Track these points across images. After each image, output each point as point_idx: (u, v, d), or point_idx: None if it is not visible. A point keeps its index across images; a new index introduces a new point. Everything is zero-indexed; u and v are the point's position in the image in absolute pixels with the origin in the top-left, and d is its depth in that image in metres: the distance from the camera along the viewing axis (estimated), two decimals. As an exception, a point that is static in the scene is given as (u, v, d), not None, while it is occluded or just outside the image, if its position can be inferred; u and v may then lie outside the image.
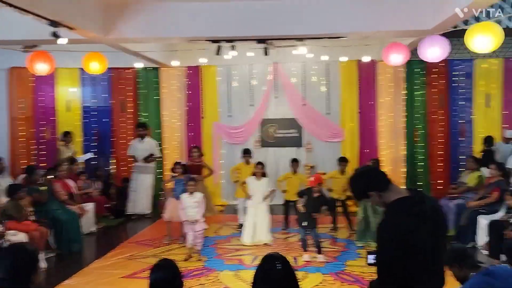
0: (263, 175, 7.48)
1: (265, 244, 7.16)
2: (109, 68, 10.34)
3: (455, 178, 9.51)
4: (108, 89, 10.79)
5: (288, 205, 8.12)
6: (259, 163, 7.54)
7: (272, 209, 8.91)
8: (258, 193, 7.36)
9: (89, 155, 10.06)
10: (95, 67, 7.61)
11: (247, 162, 8.28)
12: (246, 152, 8.40)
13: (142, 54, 8.89)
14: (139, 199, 9.40)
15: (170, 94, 10.76)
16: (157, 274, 2.66)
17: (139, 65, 9.54)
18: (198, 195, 6.63)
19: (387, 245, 2.49)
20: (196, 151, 8.21)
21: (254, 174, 7.48)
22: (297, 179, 8.19)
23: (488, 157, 8.39)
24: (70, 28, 6.39)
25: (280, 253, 2.57)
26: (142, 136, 9.43)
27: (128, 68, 10.58)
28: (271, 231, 7.45)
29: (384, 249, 2.53)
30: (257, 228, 7.27)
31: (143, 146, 9.41)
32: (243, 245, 7.25)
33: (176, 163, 7.65)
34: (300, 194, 6.70)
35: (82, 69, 10.21)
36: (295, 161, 8.37)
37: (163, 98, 10.75)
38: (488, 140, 9.07)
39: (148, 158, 9.36)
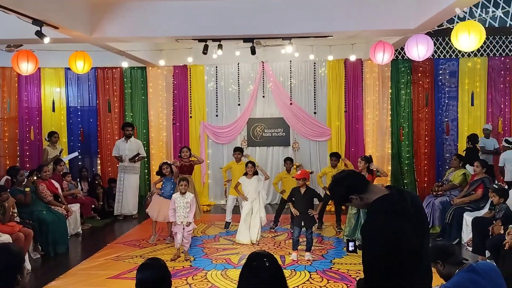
0: (255, 173, 7.50)
1: (252, 243, 7.15)
2: (94, 68, 10.33)
3: (440, 176, 9.64)
4: (94, 89, 10.72)
5: (284, 204, 8.11)
6: (249, 162, 7.55)
7: (268, 209, 8.93)
8: (251, 192, 7.36)
9: (74, 155, 9.97)
10: (81, 66, 7.54)
11: (238, 160, 8.27)
12: (237, 150, 8.38)
13: (128, 53, 8.83)
14: (126, 200, 9.34)
15: (156, 94, 10.71)
16: (144, 273, 2.55)
17: (125, 64, 9.47)
18: (190, 196, 6.61)
19: (372, 245, 2.52)
20: (186, 151, 8.19)
21: (245, 174, 7.49)
22: (292, 177, 8.18)
23: (471, 155, 8.49)
24: (55, 27, 6.33)
25: (267, 251, 2.56)
26: (129, 136, 9.37)
27: (114, 68, 10.52)
28: (261, 229, 7.47)
29: (370, 249, 2.55)
30: (251, 227, 7.27)
31: (130, 146, 9.35)
32: (231, 244, 7.25)
33: (164, 163, 7.63)
34: (289, 198, 6.69)
35: (67, 68, 10.18)
36: (288, 160, 8.38)
37: (149, 97, 10.70)
38: (472, 138, 9.20)
39: (135, 158, 9.29)
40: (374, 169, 7.21)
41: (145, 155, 9.88)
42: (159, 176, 7.65)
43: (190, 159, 8.17)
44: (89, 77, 10.65)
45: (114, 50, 8.43)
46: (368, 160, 7.20)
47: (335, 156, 8.23)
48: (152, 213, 7.43)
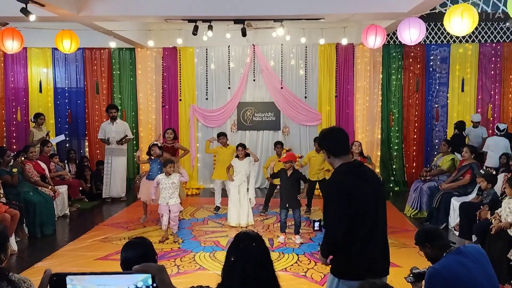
0: (246, 155, 7.47)
1: (241, 226, 7.15)
2: (82, 48, 10.16)
3: (429, 161, 9.70)
4: (82, 70, 10.56)
5: (273, 188, 8.11)
6: (240, 145, 7.50)
7: (257, 193, 8.94)
8: (241, 173, 7.33)
9: (61, 138, 9.83)
10: (67, 45, 7.41)
11: (224, 145, 8.21)
12: (222, 135, 8.31)
13: (116, 33, 8.68)
14: (114, 183, 9.25)
15: (145, 76, 10.57)
16: (129, 252, 2.49)
17: (113, 45, 9.31)
18: (176, 177, 6.56)
19: (332, 199, 2.90)
20: (171, 133, 8.11)
21: (237, 156, 7.46)
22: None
23: (457, 142, 8.53)
24: (41, 5, 6.17)
25: (255, 232, 2.53)
26: (114, 118, 9.21)
27: (102, 49, 10.35)
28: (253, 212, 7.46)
29: (329, 203, 2.94)
30: (241, 209, 7.25)
31: (116, 128, 9.21)
32: (220, 227, 7.25)
33: (153, 145, 7.54)
34: (273, 176, 6.82)
35: (54, 49, 9.99)
36: (278, 144, 8.35)
37: (138, 79, 10.57)
38: (459, 125, 9.22)
39: (122, 140, 9.18)
40: (367, 156, 7.26)
41: (132, 137, 9.77)
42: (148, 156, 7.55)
43: (175, 146, 8.11)
44: (77, 57, 10.48)
45: (101, 29, 8.28)
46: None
47: None
48: (144, 197, 7.34)
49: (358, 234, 2.81)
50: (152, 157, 7.40)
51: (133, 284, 0.97)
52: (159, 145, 7.63)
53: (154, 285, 1.03)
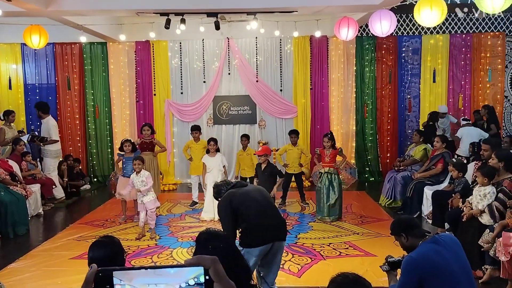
0: (217, 150, 7.43)
1: (214, 220, 7.10)
2: (52, 43, 9.94)
3: (402, 151, 9.86)
4: (52, 66, 10.32)
5: (245, 181, 8.11)
6: (212, 139, 7.47)
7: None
8: (214, 170, 7.30)
9: (26, 138, 9.49)
10: (36, 40, 7.22)
11: (196, 139, 8.16)
12: (195, 129, 8.25)
13: (87, 27, 8.50)
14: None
15: (118, 71, 10.41)
16: (96, 252, 2.46)
17: (83, 39, 9.11)
18: (145, 174, 6.46)
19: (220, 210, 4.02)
20: (147, 129, 8.00)
21: (207, 151, 7.42)
22: (248, 155, 8.17)
23: (428, 133, 8.70)
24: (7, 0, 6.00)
25: (214, 228, 2.51)
26: (40, 117, 8.79)
27: (73, 43, 10.14)
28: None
29: (219, 213, 4.11)
30: (215, 204, 7.21)
31: (42, 127, 8.81)
32: (197, 222, 7.22)
33: (126, 141, 7.44)
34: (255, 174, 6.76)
35: (24, 44, 9.72)
36: (244, 137, 8.35)
37: (111, 74, 10.39)
38: (433, 116, 9.40)
39: (40, 140, 8.64)
40: (338, 148, 7.33)
41: (55, 140, 9.00)
42: (122, 153, 7.43)
43: (154, 142, 8.01)
44: (47, 53, 10.24)
45: (71, 24, 8.11)
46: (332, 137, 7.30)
47: (294, 133, 8.23)
48: (118, 195, 7.23)
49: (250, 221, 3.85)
50: (125, 153, 7.28)
51: (184, 282, 0.92)
52: (132, 141, 7.53)
53: (207, 277, 0.97)
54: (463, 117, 9.50)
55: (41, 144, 8.66)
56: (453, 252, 3.07)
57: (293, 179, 8.20)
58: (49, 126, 8.85)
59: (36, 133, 9.65)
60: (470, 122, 9.06)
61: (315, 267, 5.27)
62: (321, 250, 5.80)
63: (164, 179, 10.04)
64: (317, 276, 4.95)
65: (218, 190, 4.18)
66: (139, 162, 6.42)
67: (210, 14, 7.40)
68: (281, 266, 5.28)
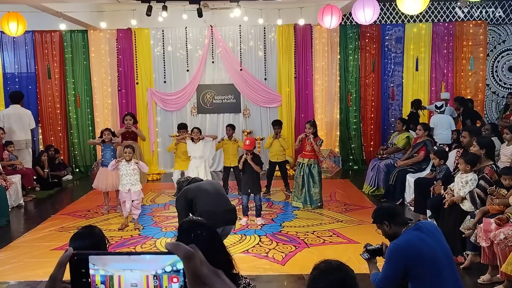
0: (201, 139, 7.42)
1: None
2: (32, 31, 9.72)
3: (386, 139, 9.92)
4: (32, 54, 10.09)
5: (228, 171, 8.08)
6: (195, 128, 7.44)
7: (213, 176, 8.89)
8: (196, 157, 7.28)
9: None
10: (14, 28, 7.04)
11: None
12: (182, 128, 8.15)
13: (66, 15, 8.31)
14: None
15: (99, 59, 10.22)
16: (77, 243, 2.41)
17: (63, 27, 8.90)
18: (135, 164, 6.39)
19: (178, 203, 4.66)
20: (130, 119, 7.89)
21: (192, 139, 7.40)
22: (232, 144, 8.12)
23: (413, 121, 8.74)
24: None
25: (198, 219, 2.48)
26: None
27: (53, 31, 9.91)
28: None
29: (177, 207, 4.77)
30: None
31: None
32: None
33: (105, 129, 7.29)
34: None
35: (1, 32, 9.47)
36: (229, 127, 8.29)
37: (92, 62, 10.20)
38: (416, 104, 9.43)
39: None
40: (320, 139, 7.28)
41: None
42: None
43: (136, 132, 7.92)
44: (26, 41, 10.00)
45: (51, 11, 7.92)
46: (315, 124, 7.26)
47: (277, 125, 8.19)
48: (101, 185, 7.12)
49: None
50: (105, 142, 7.15)
51: (160, 268, 0.87)
52: (112, 130, 7.40)
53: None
54: (434, 104, 9.15)
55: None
56: (436, 239, 3.10)
57: (277, 168, 8.20)
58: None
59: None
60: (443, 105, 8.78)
61: (299, 254, 5.30)
62: (305, 238, 5.82)
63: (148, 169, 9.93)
64: (301, 263, 4.98)
65: (179, 187, 4.78)
66: (130, 150, 6.33)
67: (192, 0, 7.30)
68: (265, 254, 5.31)
